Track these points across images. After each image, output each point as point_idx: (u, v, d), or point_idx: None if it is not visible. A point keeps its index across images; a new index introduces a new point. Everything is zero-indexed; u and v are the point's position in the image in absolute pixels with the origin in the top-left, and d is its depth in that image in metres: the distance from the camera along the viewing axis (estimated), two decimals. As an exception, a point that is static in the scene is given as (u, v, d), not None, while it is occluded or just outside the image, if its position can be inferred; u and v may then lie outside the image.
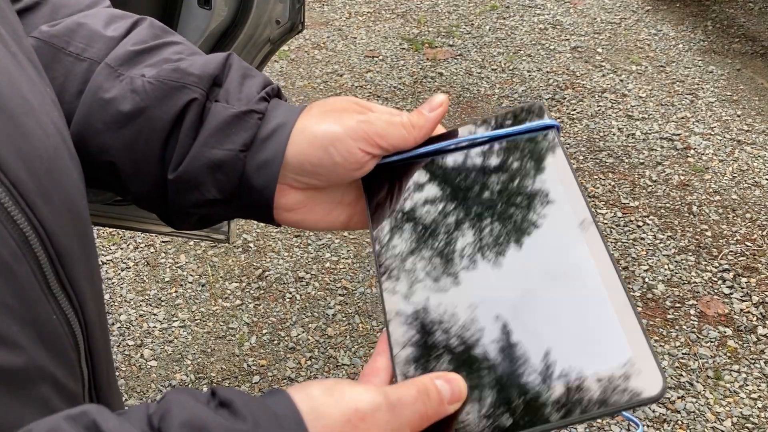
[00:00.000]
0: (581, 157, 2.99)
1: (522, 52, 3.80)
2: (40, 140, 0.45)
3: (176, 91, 0.54)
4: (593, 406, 0.39)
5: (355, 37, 3.99)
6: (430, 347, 0.45)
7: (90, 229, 0.52)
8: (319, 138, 0.53)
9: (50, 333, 0.44)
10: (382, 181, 0.56)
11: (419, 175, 0.55)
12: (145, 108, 0.54)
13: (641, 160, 2.96)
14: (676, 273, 2.42)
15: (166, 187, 0.56)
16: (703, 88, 3.40)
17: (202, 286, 2.46)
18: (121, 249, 2.62)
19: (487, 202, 0.51)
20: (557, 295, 0.44)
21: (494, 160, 0.53)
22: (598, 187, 2.82)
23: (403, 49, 3.87)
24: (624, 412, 0.40)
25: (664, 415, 1.97)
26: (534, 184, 0.50)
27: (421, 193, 0.54)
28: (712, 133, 3.10)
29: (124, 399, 2.09)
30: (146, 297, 2.42)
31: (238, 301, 2.39)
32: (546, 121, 0.53)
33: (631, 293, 2.32)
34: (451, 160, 0.55)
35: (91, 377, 0.52)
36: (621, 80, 3.50)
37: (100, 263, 2.56)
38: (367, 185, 0.56)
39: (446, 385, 0.41)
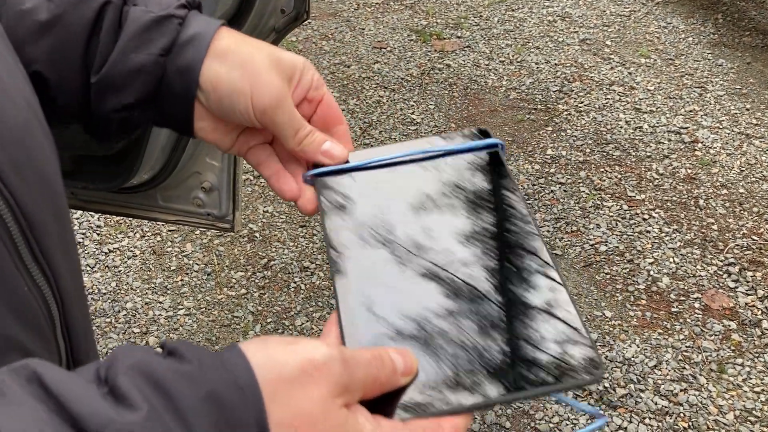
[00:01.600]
0: (588, 150, 2.98)
1: (530, 44, 3.78)
2: (10, 113, 0.45)
3: None
4: (534, 384, 0.42)
5: (363, 29, 3.98)
6: (378, 325, 0.47)
7: (64, 204, 0.52)
8: (229, 83, 0.54)
9: (21, 304, 0.45)
10: (333, 182, 0.58)
11: (371, 179, 0.58)
12: (61, 15, 0.55)
13: (648, 153, 2.95)
14: (681, 266, 2.41)
15: (89, 95, 0.57)
16: (712, 82, 3.38)
17: (208, 274, 2.47)
18: (128, 237, 2.64)
19: (433, 204, 0.55)
20: (501, 282, 0.48)
21: (443, 172, 0.57)
22: (604, 180, 2.81)
23: (411, 40, 3.86)
24: (586, 407, 0.45)
25: (666, 407, 1.97)
26: (477, 192, 0.55)
27: (372, 194, 0.56)
28: (721, 126, 3.08)
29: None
30: (152, 285, 2.44)
31: (243, 290, 2.41)
32: (491, 140, 0.58)
33: (636, 286, 2.32)
34: (402, 169, 0.58)
35: (69, 352, 0.52)
36: (629, 73, 3.48)
37: (107, 251, 2.58)
38: (320, 185, 0.59)
39: (399, 357, 0.42)
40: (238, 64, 0.54)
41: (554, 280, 0.48)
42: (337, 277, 0.50)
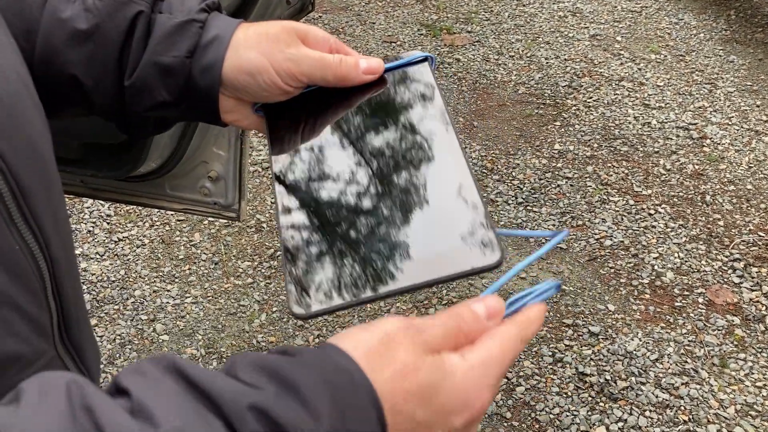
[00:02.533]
0: (595, 145, 2.99)
1: (540, 39, 3.78)
2: (0, 84, 0.48)
3: (124, 6, 0.60)
4: (443, 269, 0.46)
5: (374, 23, 4.00)
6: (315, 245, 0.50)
7: (56, 176, 0.55)
8: (246, 64, 0.59)
9: (11, 260, 0.48)
10: (282, 111, 0.63)
11: (312, 105, 0.62)
12: (99, 24, 0.59)
13: (656, 149, 2.94)
14: (686, 261, 2.41)
15: (123, 96, 0.62)
16: (722, 78, 3.36)
17: (215, 264, 2.50)
18: (137, 227, 2.67)
19: (367, 118, 0.59)
20: (420, 181, 0.52)
21: (380, 90, 0.62)
22: (611, 175, 2.81)
23: (421, 34, 3.88)
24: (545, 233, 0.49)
25: (666, 400, 1.98)
26: (406, 101, 0.60)
27: (313, 117, 0.61)
28: (730, 123, 3.07)
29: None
30: (160, 273, 2.47)
31: (249, 280, 2.44)
32: (421, 53, 0.62)
33: (640, 280, 2.32)
34: (340, 91, 0.62)
35: (60, 313, 0.55)
36: (639, 69, 3.48)
37: (117, 240, 2.61)
38: (268, 113, 0.63)
39: (480, 305, 0.45)
40: (252, 47, 0.59)
41: (462, 172, 0.51)
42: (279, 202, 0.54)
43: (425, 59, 0.62)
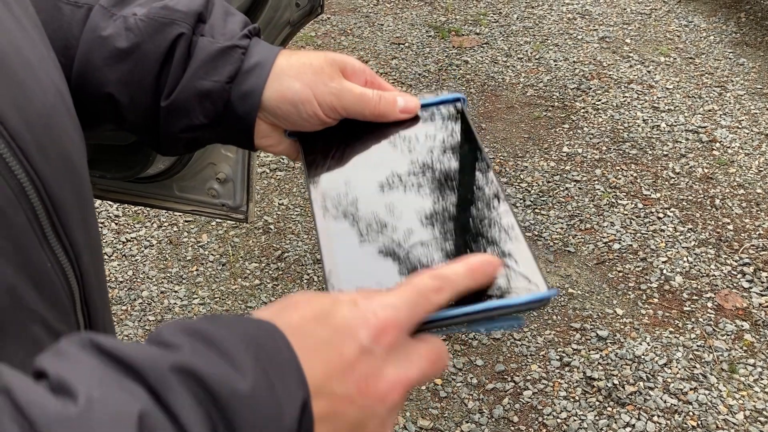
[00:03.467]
0: (604, 148, 2.98)
1: (549, 41, 3.77)
2: (38, 97, 0.48)
3: (166, 27, 0.59)
4: (487, 299, 0.45)
5: (382, 24, 4.00)
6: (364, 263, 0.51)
7: (87, 186, 0.55)
8: (290, 94, 0.59)
9: (43, 278, 0.47)
10: (319, 133, 0.63)
11: (345, 133, 0.62)
12: (140, 43, 0.59)
13: (665, 152, 2.93)
14: (694, 265, 2.40)
15: (158, 116, 0.61)
16: (732, 81, 3.35)
17: (223, 265, 2.51)
18: (145, 227, 2.68)
19: (400, 149, 0.60)
20: (460, 214, 0.53)
21: (414, 125, 0.63)
22: (619, 178, 2.80)
23: (430, 36, 3.87)
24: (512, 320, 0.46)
25: (675, 405, 1.97)
26: (444, 141, 0.60)
27: (347, 144, 0.62)
28: (740, 126, 3.05)
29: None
30: (168, 274, 2.48)
31: (257, 281, 2.44)
32: (453, 95, 0.64)
33: (649, 284, 2.31)
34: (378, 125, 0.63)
35: (87, 328, 0.55)
36: (648, 71, 3.46)
37: (125, 240, 2.62)
38: (302, 138, 0.63)
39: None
40: (295, 76, 0.60)
41: (512, 227, 0.51)
42: (318, 224, 0.54)
43: (458, 99, 0.64)
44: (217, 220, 2.59)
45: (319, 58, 0.61)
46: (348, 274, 0.48)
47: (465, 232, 0.51)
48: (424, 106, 0.63)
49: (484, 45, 3.77)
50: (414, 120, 0.62)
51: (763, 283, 2.32)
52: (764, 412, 1.94)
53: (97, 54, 0.59)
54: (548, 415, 1.97)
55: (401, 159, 0.59)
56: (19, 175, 0.45)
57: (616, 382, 2.04)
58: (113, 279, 2.46)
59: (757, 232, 2.52)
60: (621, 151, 2.95)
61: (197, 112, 0.60)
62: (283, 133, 0.64)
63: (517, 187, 2.79)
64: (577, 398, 2.01)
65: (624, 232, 2.55)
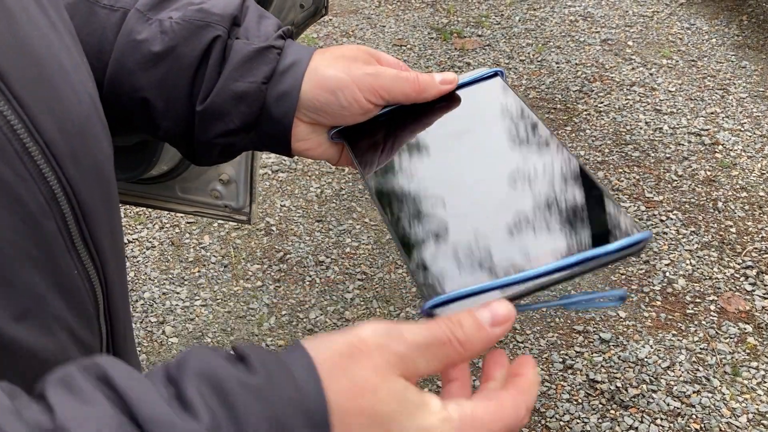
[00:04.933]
0: (606, 150, 2.97)
1: (551, 43, 3.77)
2: (73, 105, 0.48)
3: (202, 30, 0.59)
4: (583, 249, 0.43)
5: (384, 26, 4.00)
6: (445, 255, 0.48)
7: (115, 196, 0.55)
8: (328, 82, 0.58)
9: (71, 286, 0.47)
10: (361, 133, 0.61)
11: (395, 123, 0.61)
12: (175, 47, 0.59)
13: (667, 155, 2.93)
14: (697, 268, 2.40)
15: (192, 122, 0.60)
16: (734, 84, 3.34)
17: (225, 266, 2.50)
18: (147, 228, 2.68)
19: (459, 135, 0.58)
20: (534, 189, 0.50)
21: (457, 102, 0.61)
22: (622, 181, 2.80)
23: (432, 38, 3.87)
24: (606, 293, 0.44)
25: (678, 408, 1.96)
26: (494, 115, 0.58)
27: (396, 135, 0.60)
28: (742, 129, 3.05)
29: (144, 374, 2.15)
30: (170, 276, 2.47)
31: (259, 283, 2.43)
32: (490, 69, 0.62)
33: (652, 287, 2.31)
34: (422, 109, 0.61)
35: (109, 335, 0.54)
36: (651, 74, 3.46)
37: (127, 242, 2.61)
38: (348, 136, 0.62)
39: (485, 311, 0.40)
40: (330, 66, 0.59)
41: (580, 172, 0.50)
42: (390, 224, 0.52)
43: (496, 74, 0.62)
44: (219, 221, 2.58)
45: (352, 48, 0.60)
46: (442, 279, 0.45)
47: (549, 205, 0.48)
48: (462, 86, 0.61)
49: (486, 47, 3.77)
50: (456, 101, 0.60)
51: (766, 285, 2.32)
52: (767, 415, 1.93)
53: (131, 58, 0.59)
54: (551, 417, 1.96)
55: (456, 142, 0.57)
56: (52, 182, 0.45)
57: (619, 384, 2.04)
58: (115, 280, 2.46)
59: (760, 235, 2.51)
60: (623, 154, 2.95)
61: (233, 116, 0.59)
62: (322, 134, 0.62)
63: (520, 189, 2.79)
64: (580, 401, 2.00)
65: (626, 234, 2.55)
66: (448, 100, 0.61)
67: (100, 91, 0.59)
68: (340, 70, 0.58)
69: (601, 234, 0.44)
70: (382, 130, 0.60)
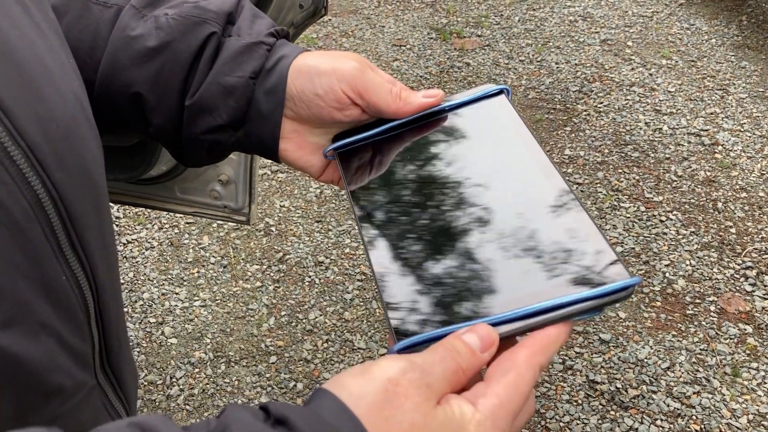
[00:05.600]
0: (606, 151, 2.97)
1: (551, 43, 3.77)
2: (57, 106, 0.47)
3: (197, 26, 0.59)
4: (561, 292, 0.42)
5: (384, 26, 3.99)
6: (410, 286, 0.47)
7: (105, 198, 0.54)
8: (309, 69, 0.58)
9: (59, 292, 0.46)
10: (356, 155, 0.60)
11: (390, 146, 0.59)
12: (170, 42, 0.58)
13: (667, 155, 2.93)
14: (697, 269, 2.40)
15: (182, 117, 0.60)
16: (734, 84, 3.34)
17: (224, 267, 2.50)
18: (146, 229, 2.67)
19: (452, 162, 0.56)
20: (527, 220, 0.48)
21: (455, 125, 0.59)
22: (622, 181, 2.79)
23: (431, 38, 3.87)
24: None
25: (678, 409, 1.96)
26: (491, 139, 0.56)
27: (388, 155, 0.59)
28: (742, 129, 3.05)
29: (143, 374, 2.14)
30: (169, 276, 2.47)
31: (258, 283, 2.43)
32: (495, 86, 0.59)
33: (652, 288, 2.31)
34: (418, 129, 0.60)
35: (102, 340, 0.54)
36: (650, 74, 3.46)
37: (126, 242, 2.61)
38: (343, 160, 0.61)
39: (473, 336, 0.42)
40: (318, 56, 0.59)
41: (574, 206, 0.48)
42: (372, 255, 0.51)
43: (501, 92, 0.60)
44: (219, 222, 2.58)
45: (350, 53, 0.60)
46: (414, 322, 0.45)
47: (532, 245, 0.47)
48: (466, 103, 0.60)
49: (486, 47, 3.76)
50: (455, 122, 0.59)
51: (766, 286, 2.31)
52: (767, 416, 1.93)
53: (124, 53, 0.59)
54: (551, 418, 1.96)
55: (448, 169, 0.55)
56: (37, 187, 0.44)
57: (618, 385, 2.04)
58: (114, 281, 2.45)
59: (760, 236, 2.51)
60: (623, 154, 2.94)
61: (221, 110, 0.59)
62: (305, 135, 0.62)
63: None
64: (579, 402, 2.00)
65: (626, 235, 2.55)
66: (448, 121, 0.59)
67: (92, 87, 0.58)
68: (324, 61, 0.58)
69: (584, 278, 0.42)
70: (377, 154, 0.59)
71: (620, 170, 2.86)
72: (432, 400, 0.39)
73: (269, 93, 0.59)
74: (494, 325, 0.42)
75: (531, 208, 0.49)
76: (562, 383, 2.05)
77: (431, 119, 0.60)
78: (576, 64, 3.57)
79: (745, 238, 2.51)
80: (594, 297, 0.41)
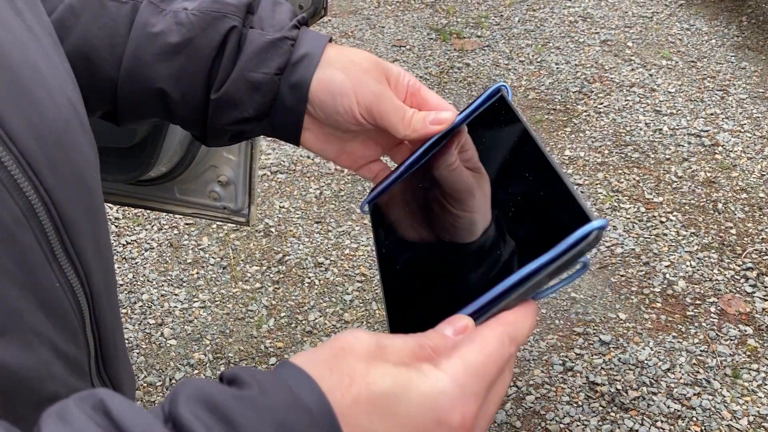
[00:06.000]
0: (606, 151, 2.97)
1: (551, 44, 3.76)
2: (50, 111, 0.46)
3: (217, 21, 0.59)
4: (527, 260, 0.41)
5: (383, 26, 3.99)
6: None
7: (100, 203, 0.53)
8: (332, 85, 0.58)
9: (52, 300, 0.46)
10: (386, 200, 0.62)
11: (411, 182, 0.61)
12: (192, 38, 0.59)
13: (667, 156, 2.92)
14: (697, 270, 2.39)
15: (207, 109, 0.61)
16: (734, 85, 3.34)
17: (224, 268, 2.49)
18: (146, 230, 2.67)
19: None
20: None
21: (464, 141, 0.59)
22: (622, 182, 2.79)
23: (431, 39, 3.86)
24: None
25: (678, 411, 1.96)
26: (496, 146, 0.56)
27: (412, 194, 0.60)
28: (742, 130, 3.04)
29: (143, 376, 2.14)
30: (168, 277, 2.46)
31: (257, 284, 2.42)
32: (494, 86, 0.60)
33: (652, 289, 2.30)
34: (434, 157, 0.61)
35: (98, 347, 0.53)
36: (650, 75, 3.45)
37: (125, 243, 2.61)
38: (374, 213, 0.63)
39: (447, 326, 0.42)
40: (341, 69, 0.59)
41: (553, 178, 0.46)
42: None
43: (498, 90, 0.60)
44: (218, 223, 2.58)
45: (368, 59, 0.60)
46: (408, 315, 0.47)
47: (514, 215, 0.47)
48: (472, 112, 0.60)
49: (486, 48, 3.76)
50: (465, 136, 0.59)
51: (766, 287, 2.31)
52: (768, 418, 1.93)
53: (147, 50, 0.59)
54: (551, 420, 1.95)
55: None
56: (29, 193, 0.43)
57: (619, 387, 2.03)
58: (113, 282, 2.45)
59: (760, 237, 2.51)
60: (623, 155, 2.94)
61: (247, 105, 0.60)
62: (328, 131, 0.63)
63: (519, 190, 2.78)
64: (580, 403, 2.00)
65: (627, 236, 2.54)
66: (459, 137, 0.60)
67: (114, 84, 0.59)
68: (348, 77, 0.58)
69: (547, 240, 0.41)
70: (406, 196, 0.60)
71: (620, 171, 2.86)
72: (380, 356, 0.37)
73: (293, 88, 0.59)
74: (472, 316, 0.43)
75: (519, 196, 0.49)
76: (562, 384, 2.05)
77: (445, 138, 0.61)
78: (576, 65, 3.57)
79: (745, 239, 2.51)
80: (555, 257, 0.39)
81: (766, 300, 2.27)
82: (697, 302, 2.28)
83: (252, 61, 0.59)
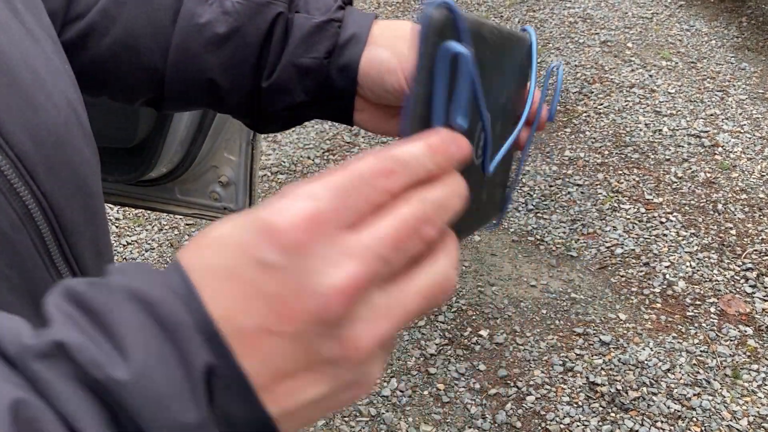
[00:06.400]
0: (606, 152, 2.97)
1: (551, 45, 3.77)
2: (49, 114, 0.46)
3: (264, 8, 0.59)
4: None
5: (384, 27, 4.00)
6: None
7: (101, 205, 0.53)
8: (379, 65, 0.58)
9: None
10: None
11: None
12: (239, 27, 0.59)
13: (667, 157, 2.92)
14: (697, 270, 2.39)
15: (258, 96, 0.61)
16: (734, 85, 3.34)
17: (224, 268, 2.49)
18: (146, 230, 2.67)
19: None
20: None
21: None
22: (621, 183, 2.79)
23: (431, 39, 3.87)
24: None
25: (678, 411, 1.96)
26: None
27: None
28: (742, 130, 3.05)
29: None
30: (169, 278, 2.47)
31: (258, 285, 2.42)
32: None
33: (652, 289, 2.31)
34: None
35: None
36: (650, 75, 3.46)
37: (125, 243, 2.61)
38: None
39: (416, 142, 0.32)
40: (386, 46, 0.58)
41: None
42: None
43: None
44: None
45: (404, 29, 0.60)
46: None
47: None
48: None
49: (486, 48, 3.76)
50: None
51: (766, 288, 2.31)
52: (768, 418, 1.93)
53: (195, 42, 0.59)
54: (551, 420, 1.96)
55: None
56: (25, 197, 0.43)
57: (619, 387, 2.03)
58: (114, 282, 2.45)
59: (760, 237, 2.51)
60: (623, 155, 2.94)
61: (298, 90, 0.60)
62: (381, 110, 0.61)
63: (519, 191, 2.78)
64: (580, 404, 2.00)
65: (627, 236, 2.55)
66: None
67: (161, 73, 0.59)
68: (393, 54, 0.57)
69: None
70: None
71: (620, 172, 2.86)
72: (257, 221, 0.29)
73: (342, 70, 0.59)
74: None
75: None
76: (562, 385, 2.05)
77: None
78: (576, 66, 3.57)
79: (745, 239, 2.51)
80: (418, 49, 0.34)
81: (766, 300, 2.27)
82: (697, 303, 2.28)
83: (300, 46, 0.59)
